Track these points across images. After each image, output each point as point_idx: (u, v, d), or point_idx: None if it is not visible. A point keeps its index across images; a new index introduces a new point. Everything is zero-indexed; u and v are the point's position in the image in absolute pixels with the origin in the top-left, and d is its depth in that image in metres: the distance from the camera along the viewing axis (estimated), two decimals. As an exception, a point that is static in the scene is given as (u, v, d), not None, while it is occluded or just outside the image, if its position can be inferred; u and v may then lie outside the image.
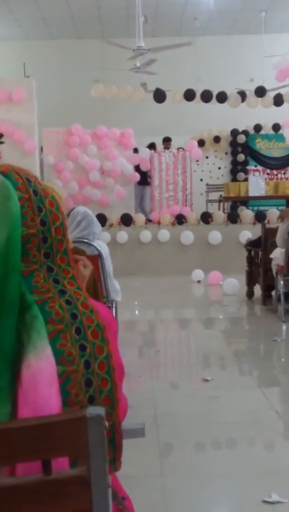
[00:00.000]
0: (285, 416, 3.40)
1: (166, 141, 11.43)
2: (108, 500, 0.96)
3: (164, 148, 11.34)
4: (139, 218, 9.90)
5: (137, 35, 10.07)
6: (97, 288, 3.22)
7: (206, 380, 3.94)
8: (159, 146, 11.66)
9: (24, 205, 1.09)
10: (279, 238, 5.69)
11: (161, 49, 10.10)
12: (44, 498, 0.92)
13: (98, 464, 0.93)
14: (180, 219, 9.80)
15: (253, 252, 6.80)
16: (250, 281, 6.83)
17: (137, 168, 10.99)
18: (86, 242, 3.55)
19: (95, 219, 3.76)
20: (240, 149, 13.26)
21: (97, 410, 0.93)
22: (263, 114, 11.70)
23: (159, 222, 9.85)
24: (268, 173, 13.25)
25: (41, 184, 1.15)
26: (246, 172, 13.16)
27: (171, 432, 3.13)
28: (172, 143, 11.43)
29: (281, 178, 12.94)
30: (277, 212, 9.44)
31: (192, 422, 3.27)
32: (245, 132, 13.17)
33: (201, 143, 12.63)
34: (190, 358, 5.09)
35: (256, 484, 2.50)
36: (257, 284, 6.68)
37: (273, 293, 6.14)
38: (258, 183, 10.35)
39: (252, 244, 6.81)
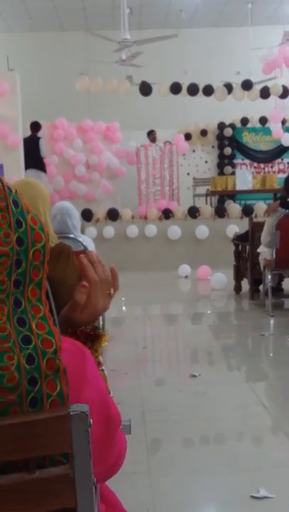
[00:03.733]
0: (272, 411, 3.39)
1: (151, 133, 11.36)
2: (93, 498, 0.94)
3: (150, 141, 11.28)
4: (126, 213, 9.85)
5: (122, 27, 10.00)
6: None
7: (194, 376, 3.93)
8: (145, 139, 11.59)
9: None
10: (265, 233, 5.66)
11: (146, 41, 10.04)
12: (28, 497, 0.90)
13: (82, 462, 0.92)
14: (167, 214, 9.77)
15: (240, 247, 6.79)
16: (238, 276, 6.82)
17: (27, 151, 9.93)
18: (71, 238, 3.50)
19: (74, 212, 3.63)
20: (227, 143, 13.25)
21: (81, 408, 0.91)
22: (249, 107, 11.70)
23: (145, 217, 9.82)
24: (255, 167, 13.26)
25: (23, 197, 0.94)
26: (233, 166, 13.16)
27: (159, 428, 3.12)
28: (158, 136, 11.38)
29: (268, 172, 12.95)
30: (265, 206, 9.44)
31: (180, 418, 3.25)
32: (232, 125, 13.15)
33: (188, 136, 12.60)
34: (178, 354, 5.07)
35: (244, 479, 2.49)
36: (244, 279, 6.68)
37: (261, 287, 6.14)
38: (245, 176, 10.34)
39: (239, 239, 6.80)
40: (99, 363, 1.26)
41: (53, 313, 1.12)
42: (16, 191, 0.92)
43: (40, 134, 10.60)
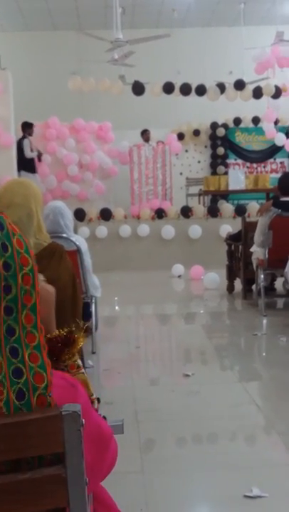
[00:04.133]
0: (265, 410, 3.39)
1: (145, 132, 11.36)
2: (85, 497, 0.94)
3: (144, 140, 11.28)
4: (119, 213, 9.85)
5: (115, 26, 9.99)
6: (76, 284, 3.17)
7: (187, 376, 3.92)
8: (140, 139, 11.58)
9: None
10: (258, 233, 5.67)
11: (139, 41, 10.04)
12: (20, 497, 0.90)
13: (75, 462, 0.92)
14: (160, 213, 9.77)
15: (233, 246, 6.80)
16: (231, 276, 6.83)
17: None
18: (64, 237, 3.49)
19: (66, 211, 3.62)
20: (219, 142, 13.27)
21: (73, 407, 0.91)
22: (242, 107, 11.72)
23: (138, 217, 9.81)
24: (247, 167, 13.29)
25: (8, 218, 0.90)
26: (226, 165, 13.18)
27: (152, 428, 3.11)
28: (151, 136, 11.38)
29: (261, 172, 12.98)
30: (258, 206, 9.46)
31: (173, 418, 3.25)
32: (224, 125, 13.18)
33: (181, 136, 12.62)
34: (171, 354, 5.07)
35: (237, 479, 2.49)
36: (237, 278, 6.68)
37: (254, 287, 6.15)
38: (237, 176, 10.35)
39: (232, 238, 6.80)
40: (78, 367, 1.26)
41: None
42: (0, 212, 0.89)
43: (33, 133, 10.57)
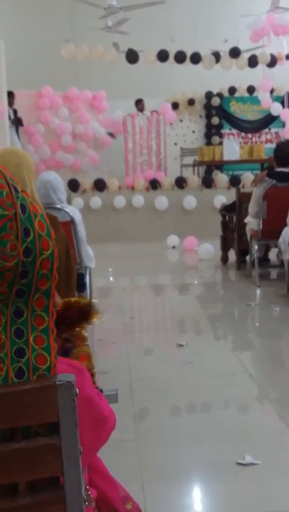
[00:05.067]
0: (258, 379, 3.43)
1: (140, 102, 11.22)
2: (79, 466, 0.94)
3: (138, 110, 11.15)
4: (113, 183, 9.79)
5: (109, -8, 9.79)
6: (70, 254, 3.17)
7: (181, 345, 3.96)
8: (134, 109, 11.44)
9: (6, 226, 0.79)
10: (252, 203, 5.66)
11: (133, 7, 9.85)
12: (15, 466, 0.91)
13: (69, 431, 0.92)
14: (154, 184, 9.72)
15: (227, 217, 6.79)
16: (225, 247, 6.84)
17: None
18: (57, 208, 3.47)
19: (58, 184, 3.54)
20: (214, 112, 13.13)
21: (66, 377, 0.91)
22: (237, 76, 11.56)
23: (132, 188, 9.76)
24: (242, 137, 13.18)
25: (29, 196, 0.85)
26: (221, 135, 13.07)
27: (146, 397, 3.15)
28: (145, 105, 11.25)
29: (256, 142, 12.88)
30: (252, 177, 9.42)
31: (167, 387, 3.29)
32: (219, 95, 13.02)
33: (175, 106, 12.47)
34: (165, 324, 5.10)
35: (230, 447, 2.54)
36: (231, 249, 6.70)
37: (248, 258, 6.16)
38: (232, 146, 10.28)
39: (226, 209, 6.79)
40: (83, 339, 1.26)
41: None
42: (22, 190, 0.85)
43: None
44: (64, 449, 0.92)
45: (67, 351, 1.16)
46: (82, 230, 3.80)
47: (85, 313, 1.24)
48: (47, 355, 0.87)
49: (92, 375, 1.18)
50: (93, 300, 1.28)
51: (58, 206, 3.51)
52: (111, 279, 6.75)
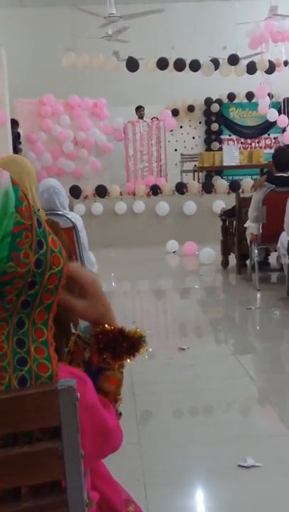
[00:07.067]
0: (259, 382, 3.45)
1: (139, 109, 11.29)
2: (81, 470, 0.96)
3: (138, 117, 11.22)
4: (114, 190, 9.84)
5: (108, 1, 9.86)
6: (72, 260, 3.19)
7: (182, 349, 3.98)
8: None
9: (22, 233, 0.83)
10: (252, 208, 5.69)
11: (133, 16, 9.92)
12: (18, 470, 0.92)
13: (70, 435, 0.93)
14: (155, 190, 9.76)
15: (227, 222, 6.82)
16: (225, 251, 6.86)
17: None
18: (59, 214, 3.50)
19: (61, 190, 3.58)
20: (214, 118, 13.20)
21: (68, 382, 0.93)
22: (236, 82, 11.63)
23: (134, 194, 9.81)
24: (242, 142, 13.23)
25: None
26: (220, 141, 13.13)
27: (148, 400, 3.17)
28: (146, 112, 11.31)
29: (255, 147, 12.93)
30: (252, 182, 9.47)
31: (169, 390, 3.31)
32: (218, 101, 13.09)
33: (175, 112, 12.54)
34: (166, 328, 5.13)
35: (232, 449, 2.55)
36: (232, 254, 6.73)
37: (248, 262, 6.19)
38: (232, 152, 10.33)
39: (226, 214, 6.82)
40: (121, 365, 1.21)
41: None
42: (38, 210, 0.89)
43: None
44: (66, 453, 0.93)
45: (100, 370, 1.13)
46: (84, 236, 3.83)
47: (136, 345, 1.21)
48: (48, 364, 0.89)
49: (116, 401, 1.17)
50: (145, 333, 1.21)
51: (60, 212, 3.54)
52: (113, 284, 6.78)
